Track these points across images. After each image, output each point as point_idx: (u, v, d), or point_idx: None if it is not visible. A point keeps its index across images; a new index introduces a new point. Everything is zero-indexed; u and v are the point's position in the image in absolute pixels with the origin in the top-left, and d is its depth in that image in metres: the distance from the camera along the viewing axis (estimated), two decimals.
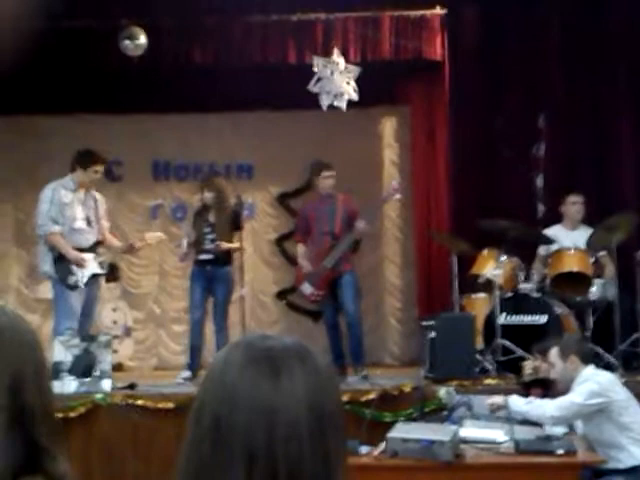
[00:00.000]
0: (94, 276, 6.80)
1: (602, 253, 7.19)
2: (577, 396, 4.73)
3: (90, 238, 6.86)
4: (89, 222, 6.88)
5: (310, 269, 7.21)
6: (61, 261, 6.67)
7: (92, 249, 6.85)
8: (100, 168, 6.89)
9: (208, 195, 7.34)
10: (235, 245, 7.41)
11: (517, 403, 4.80)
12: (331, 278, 7.17)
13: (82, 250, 6.76)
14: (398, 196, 7.53)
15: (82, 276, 6.70)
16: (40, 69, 8.34)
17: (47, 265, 6.72)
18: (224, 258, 7.36)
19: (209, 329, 7.44)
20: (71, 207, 6.77)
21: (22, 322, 1.28)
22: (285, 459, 1.08)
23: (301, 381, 1.12)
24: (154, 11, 8.21)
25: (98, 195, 7.05)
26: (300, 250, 7.47)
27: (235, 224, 7.39)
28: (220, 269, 7.32)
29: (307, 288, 7.24)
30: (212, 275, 7.31)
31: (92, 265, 6.79)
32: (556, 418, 4.67)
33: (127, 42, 8.16)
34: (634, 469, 4.68)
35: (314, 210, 7.38)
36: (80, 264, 6.69)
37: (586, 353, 5.10)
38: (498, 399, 4.89)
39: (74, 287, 6.68)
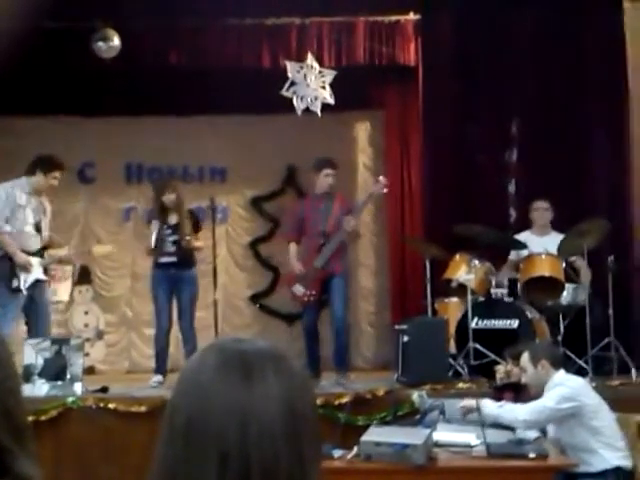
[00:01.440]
0: (37, 282, 6.68)
1: (573, 258, 7.25)
2: (549, 400, 4.76)
3: (37, 243, 6.77)
4: (38, 228, 6.79)
5: (302, 270, 7.14)
6: (5, 262, 6.56)
7: (39, 253, 6.75)
8: (59, 175, 6.82)
9: (171, 197, 7.24)
10: (200, 244, 7.36)
11: (489, 406, 4.83)
12: (322, 278, 7.10)
13: (29, 254, 6.66)
14: (385, 190, 7.41)
15: (25, 281, 6.59)
16: (13, 70, 8.26)
17: None
18: (188, 260, 7.26)
19: (176, 332, 7.39)
20: (24, 210, 6.67)
21: None
22: (258, 460, 1.09)
23: (274, 384, 1.13)
24: (129, 13, 8.17)
25: (48, 204, 6.95)
26: (292, 250, 7.30)
27: (195, 225, 7.34)
28: (184, 271, 7.22)
29: (299, 289, 7.17)
30: (176, 278, 7.21)
31: (37, 270, 6.68)
32: (528, 422, 4.70)
33: (100, 44, 8.12)
34: (605, 472, 4.72)
35: (310, 210, 7.25)
36: (26, 268, 6.58)
37: (557, 358, 5.14)
38: (470, 402, 4.91)
39: (16, 290, 6.57)
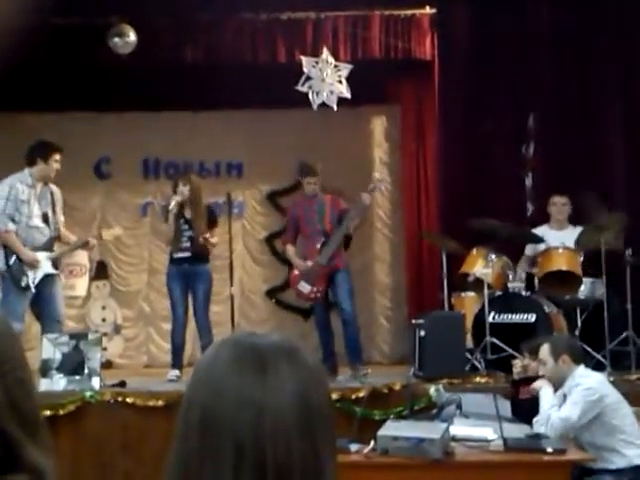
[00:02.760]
0: (46, 276, 6.67)
1: None
2: (573, 412, 4.69)
3: (46, 234, 6.74)
4: (45, 219, 6.75)
5: (306, 266, 7.18)
6: (16, 261, 6.55)
7: (47, 246, 6.73)
8: (59, 156, 6.74)
9: (184, 190, 7.23)
10: (215, 240, 7.37)
11: (545, 401, 4.82)
12: (327, 273, 7.15)
13: (37, 248, 6.64)
14: (383, 187, 7.48)
15: (34, 277, 6.58)
16: (30, 66, 8.31)
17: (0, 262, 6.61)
18: (202, 255, 7.26)
19: (191, 327, 7.41)
20: (28, 204, 6.62)
21: None
22: (273, 454, 1.09)
23: (288, 377, 1.12)
24: (145, 9, 8.19)
25: (55, 188, 6.89)
26: (290, 251, 7.43)
27: (211, 221, 7.34)
28: (198, 267, 7.22)
29: (305, 287, 7.21)
30: (190, 273, 7.21)
31: (45, 265, 6.66)
32: (556, 435, 4.65)
33: (116, 40, 8.14)
34: (623, 470, 4.69)
35: (302, 209, 7.37)
36: (33, 265, 6.57)
37: (578, 353, 5.11)
38: (539, 386, 4.93)
39: (25, 289, 6.57)
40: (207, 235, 7.18)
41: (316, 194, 7.32)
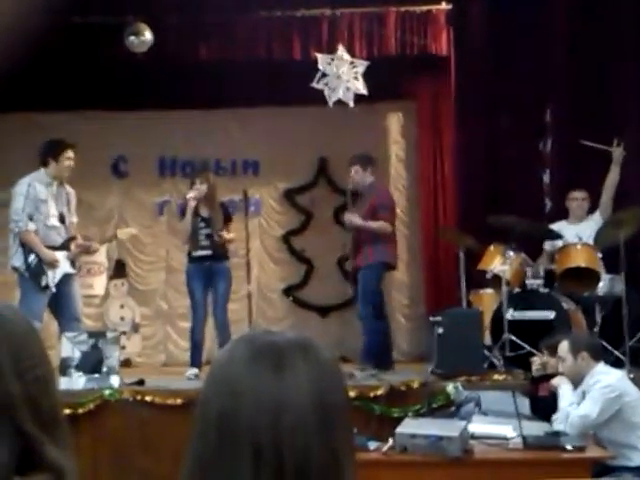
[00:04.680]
0: (65, 275, 6.67)
1: None
2: (592, 409, 4.67)
3: (62, 235, 6.75)
4: (62, 219, 6.75)
5: None
6: (36, 261, 6.57)
7: (64, 246, 6.74)
8: (72, 153, 6.70)
9: (202, 187, 7.24)
10: (232, 236, 7.37)
11: (564, 398, 4.80)
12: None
13: (55, 248, 6.65)
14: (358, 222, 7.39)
15: (53, 277, 6.59)
16: (45, 65, 8.35)
17: (19, 261, 6.59)
18: (222, 253, 7.27)
19: (209, 325, 7.42)
20: (46, 203, 6.63)
21: None
22: (291, 452, 1.08)
23: (305, 374, 1.12)
24: (160, 7, 8.21)
25: (70, 189, 6.89)
26: None
27: (225, 217, 7.35)
28: (219, 264, 7.24)
29: None
30: (211, 271, 7.22)
31: (63, 265, 6.67)
32: (574, 432, 4.62)
33: (132, 38, 8.17)
34: None
35: None
36: (53, 264, 6.57)
37: (597, 350, 5.08)
38: (557, 383, 4.91)
39: (45, 288, 6.58)
40: (223, 233, 7.18)
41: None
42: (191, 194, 7.16)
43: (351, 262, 7.34)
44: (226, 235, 7.24)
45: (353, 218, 7.19)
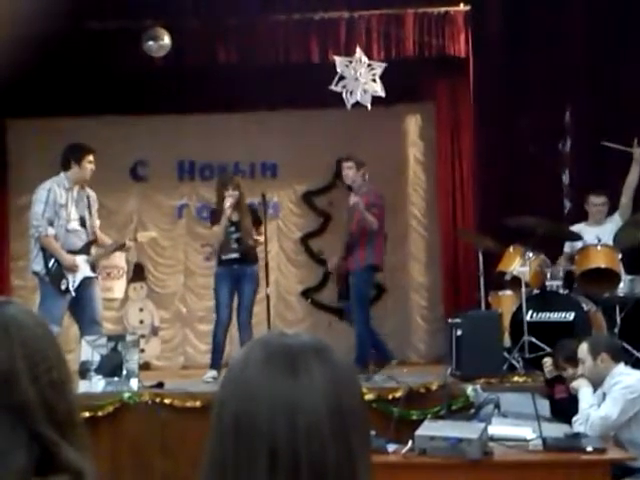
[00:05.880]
0: (85, 279, 6.69)
1: None
2: (613, 410, 4.65)
3: (83, 239, 6.78)
4: (83, 222, 6.79)
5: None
6: (56, 265, 6.60)
7: (85, 250, 6.77)
8: (92, 158, 6.76)
9: (234, 193, 7.30)
10: (260, 238, 7.45)
11: (584, 400, 4.77)
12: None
13: (75, 252, 6.68)
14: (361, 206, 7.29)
15: (73, 281, 6.61)
16: (64, 71, 8.40)
17: (39, 266, 6.62)
18: (251, 257, 7.37)
19: (233, 328, 7.44)
20: (66, 208, 6.67)
21: (12, 318, 1.25)
22: (307, 455, 1.08)
23: (319, 377, 1.12)
24: (178, 12, 8.24)
25: (91, 192, 6.93)
26: None
27: (255, 219, 7.43)
28: (247, 268, 7.32)
29: None
30: (239, 274, 7.30)
31: (84, 269, 6.70)
32: (594, 434, 4.60)
33: (151, 43, 8.20)
34: None
35: None
36: (73, 269, 6.60)
37: (617, 351, 5.05)
38: (577, 386, 4.89)
39: (65, 292, 6.61)
40: (256, 236, 7.33)
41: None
42: (228, 203, 7.23)
43: (340, 264, 7.31)
44: (258, 238, 7.33)
45: (361, 202, 7.11)
